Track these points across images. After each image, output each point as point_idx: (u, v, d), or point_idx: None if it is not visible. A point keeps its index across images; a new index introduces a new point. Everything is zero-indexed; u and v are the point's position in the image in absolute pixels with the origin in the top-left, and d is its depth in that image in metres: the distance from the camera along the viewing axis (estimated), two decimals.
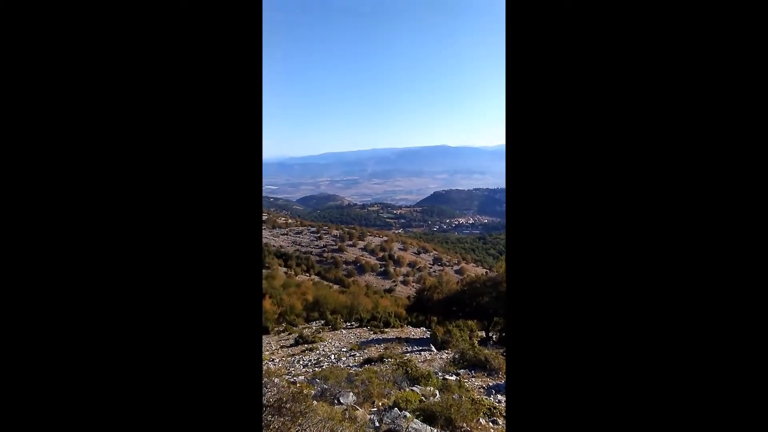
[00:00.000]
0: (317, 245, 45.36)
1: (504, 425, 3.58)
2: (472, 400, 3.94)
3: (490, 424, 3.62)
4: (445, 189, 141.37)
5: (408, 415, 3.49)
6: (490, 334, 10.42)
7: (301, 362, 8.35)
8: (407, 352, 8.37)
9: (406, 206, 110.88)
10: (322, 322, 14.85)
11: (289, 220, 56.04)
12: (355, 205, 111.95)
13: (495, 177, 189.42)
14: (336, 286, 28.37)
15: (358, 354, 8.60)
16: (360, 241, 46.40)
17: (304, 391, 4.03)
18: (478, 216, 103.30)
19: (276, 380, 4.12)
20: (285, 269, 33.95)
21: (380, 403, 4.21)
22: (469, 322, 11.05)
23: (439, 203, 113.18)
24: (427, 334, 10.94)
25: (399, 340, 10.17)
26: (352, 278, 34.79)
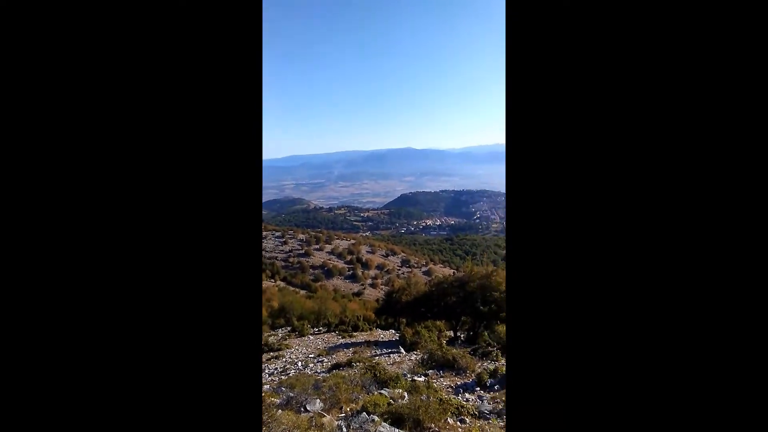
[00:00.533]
0: (282, 250, 44.43)
1: (471, 424, 3.60)
2: (440, 400, 3.94)
3: (458, 423, 3.63)
4: (412, 191, 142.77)
5: (376, 418, 3.44)
6: (458, 334, 10.56)
7: (266, 371, 8.10)
8: (376, 356, 8.32)
9: (374, 209, 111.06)
10: (289, 328, 14.51)
11: None
12: (322, 208, 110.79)
13: (462, 179, 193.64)
14: (303, 292, 27.88)
15: (326, 360, 8.44)
16: (327, 245, 45.89)
17: (268, 401, 3.88)
18: (445, 217, 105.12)
19: None
20: None
21: (348, 409, 4.12)
22: (438, 323, 11.15)
23: (406, 205, 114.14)
24: (397, 336, 10.94)
25: (368, 343, 10.09)
26: (319, 283, 34.29)
